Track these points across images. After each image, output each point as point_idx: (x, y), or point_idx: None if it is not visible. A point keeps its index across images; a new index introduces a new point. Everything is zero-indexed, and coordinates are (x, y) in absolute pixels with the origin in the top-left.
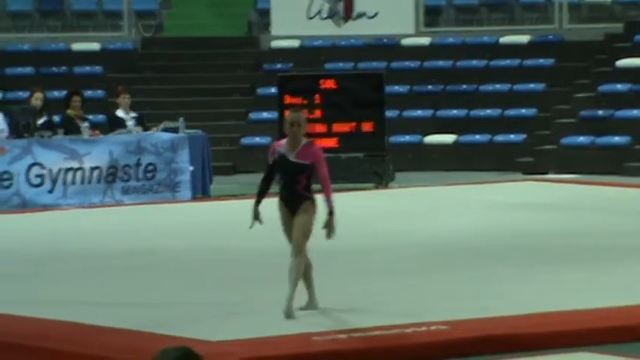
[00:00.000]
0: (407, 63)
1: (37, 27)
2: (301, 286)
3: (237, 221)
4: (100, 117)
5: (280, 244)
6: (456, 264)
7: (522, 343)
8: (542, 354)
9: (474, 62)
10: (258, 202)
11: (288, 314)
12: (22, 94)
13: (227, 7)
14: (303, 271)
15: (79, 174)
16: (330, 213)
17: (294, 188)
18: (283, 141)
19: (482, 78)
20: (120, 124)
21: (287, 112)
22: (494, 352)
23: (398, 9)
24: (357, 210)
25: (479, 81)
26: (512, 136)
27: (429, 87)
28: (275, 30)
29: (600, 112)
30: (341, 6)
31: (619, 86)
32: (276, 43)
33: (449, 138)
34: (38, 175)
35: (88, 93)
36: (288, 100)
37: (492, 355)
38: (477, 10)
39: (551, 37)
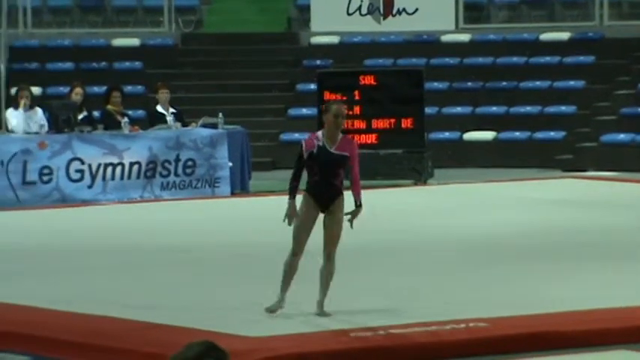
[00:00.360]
0: (447, 59)
1: (78, 22)
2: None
3: (276, 217)
4: (140, 112)
5: (319, 241)
6: (495, 261)
7: (561, 341)
8: (579, 352)
9: (514, 59)
10: (294, 197)
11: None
12: (63, 90)
13: (267, 3)
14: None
15: (118, 169)
16: (359, 206)
17: (333, 182)
18: (319, 133)
19: (522, 75)
20: (160, 119)
21: (324, 106)
22: (534, 350)
23: (438, 5)
24: (395, 206)
25: (519, 78)
26: (551, 133)
27: (469, 84)
28: (315, 26)
29: None
30: (381, 2)
31: None
32: (315, 40)
33: (488, 135)
34: (78, 170)
35: (128, 88)
36: (327, 96)
37: (531, 353)
38: (517, 6)
39: (591, 34)
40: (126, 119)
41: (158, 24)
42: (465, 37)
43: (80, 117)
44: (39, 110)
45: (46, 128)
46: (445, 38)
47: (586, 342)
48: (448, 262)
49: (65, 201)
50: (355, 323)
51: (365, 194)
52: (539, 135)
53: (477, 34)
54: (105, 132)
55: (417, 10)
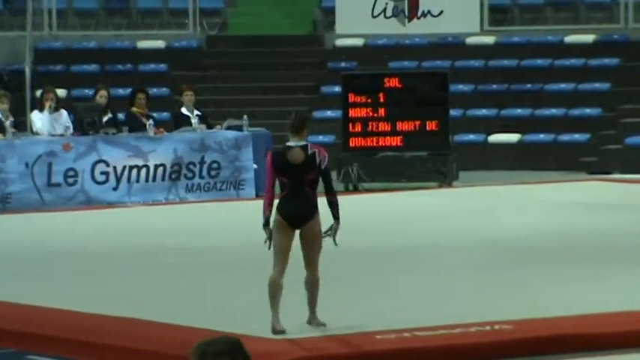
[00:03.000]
0: (471, 62)
1: (103, 25)
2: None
3: None
4: (165, 115)
5: (346, 244)
6: (520, 263)
7: (585, 344)
8: (605, 355)
9: (539, 61)
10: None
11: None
12: (88, 92)
13: (292, 6)
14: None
15: (143, 171)
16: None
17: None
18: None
19: (546, 77)
20: (185, 121)
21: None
22: (558, 352)
23: (463, 8)
24: (420, 208)
25: (543, 80)
26: (576, 136)
27: (494, 86)
28: (339, 28)
29: None
30: (405, 4)
31: None
32: (340, 42)
33: (513, 137)
34: (103, 173)
35: (153, 91)
36: (352, 98)
37: (556, 355)
38: (542, 9)
39: (616, 36)
40: (151, 121)
41: (183, 26)
42: (489, 40)
43: (105, 119)
44: (64, 112)
45: (71, 130)
46: (470, 40)
47: (610, 345)
48: (473, 264)
49: (90, 203)
50: (379, 325)
51: (390, 196)
52: (564, 137)
53: (502, 37)
54: (130, 134)
55: (441, 12)
